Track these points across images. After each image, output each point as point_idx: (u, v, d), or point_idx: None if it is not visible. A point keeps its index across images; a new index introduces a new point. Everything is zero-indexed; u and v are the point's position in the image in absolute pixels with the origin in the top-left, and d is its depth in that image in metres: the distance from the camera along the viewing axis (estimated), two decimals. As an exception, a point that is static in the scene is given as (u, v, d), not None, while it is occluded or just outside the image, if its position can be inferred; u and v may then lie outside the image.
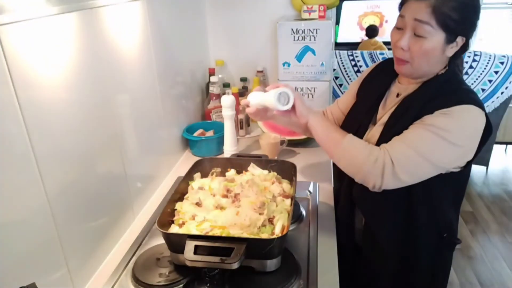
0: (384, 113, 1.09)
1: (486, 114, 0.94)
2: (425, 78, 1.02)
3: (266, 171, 1.28)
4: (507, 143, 3.69)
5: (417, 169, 0.94)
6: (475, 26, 0.96)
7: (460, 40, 0.95)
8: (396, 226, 1.08)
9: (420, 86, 1.02)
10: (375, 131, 1.07)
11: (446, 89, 0.97)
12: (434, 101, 0.95)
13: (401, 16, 0.97)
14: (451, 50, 0.96)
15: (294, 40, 1.77)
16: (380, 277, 1.17)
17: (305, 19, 1.77)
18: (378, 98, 1.12)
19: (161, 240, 1.06)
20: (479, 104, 0.93)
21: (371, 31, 4.11)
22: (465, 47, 0.98)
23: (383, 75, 1.13)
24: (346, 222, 1.20)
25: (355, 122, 1.14)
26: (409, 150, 0.92)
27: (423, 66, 0.98)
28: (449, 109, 0.92)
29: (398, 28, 0.98)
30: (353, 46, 4.12)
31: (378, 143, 1.01)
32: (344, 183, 1.17)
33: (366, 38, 4.19)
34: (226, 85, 1.89)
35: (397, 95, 1.08)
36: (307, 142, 1.70)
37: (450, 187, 1.04)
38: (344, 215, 1.20)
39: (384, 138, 1.00)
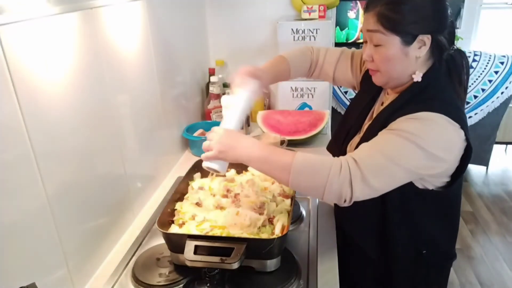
0: (368, 122, 1.08)
1: (464, 130, 0.88)
2: (404, 86, 0.98)
3: (266, 171, 1.28)
4: (507, 143, 3.69)
5: (386, 174, 0.86)
6: (438, 21, 0.90)
7: (425, 39, 0.89)
8: (373, 235, 1.05)
9: (397, 96, 0.99)
10: (356, 141, 1.07)
11: (419, 98, 0.93)
12: (402, 110, 0.91)
13: (361, 30, 0.98)
14: (419, 50, 0.91)
15: (294, 40, 1.77)
16: (361, 282, 1.16)
17: (305, 19, 1.77)
18: (367, 106, 1.10)
19: (161, 240, 1.06)
20: (451, 116, 0.86)
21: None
22: (439, 45, 0.92)
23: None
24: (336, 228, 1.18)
25: (346, 129, 1.13)
26: (375, 153, 0.86)
27: (392, 72, 0.95)
28: (415, 114, 0.87)
29: (365, 42, 0.99)
30: (353, 46, 4.13)
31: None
32: None
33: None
34: (226, 85, 1.89)
35: (382, 104, 1.07)
36: (307, 142, 1.70)
37: (432, 205, 0.99)
38: (335, 217, 1.21)
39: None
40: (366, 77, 1.12)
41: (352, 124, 1.11)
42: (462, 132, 0.88)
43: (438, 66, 0.96)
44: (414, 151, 0.84)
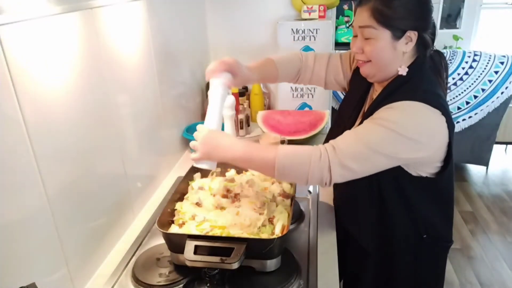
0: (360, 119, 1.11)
1: (446, 116, 0.92)
2: (390, 79, 1.03)
3: (266, 171, 1.28)
4: (507, 143, 3.68)
5: (364, 159, 0.92)
6: (424, 20, 0.97)
7: (412, 35, 0.96)
8: (371, 225, 1.09)
9: (383, 89, 1.03)
10: None
11: (401, 90, 0.98)
12: (385, 101, 0.96)
13: (352, 26, 1.04)
14: (406, 46, 0.97)
15: (294, 40, 1.77)
16: (362, 275, 1.18)
17: (305, 19, 1.77)
18: (359, 102, 1.14)
19: (161, 240, 1.06)
20: (431, 102, 0.91)
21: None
22: (424, 42, 0.98)
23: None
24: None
25: (341, 125, 1.16)
26: (354, 140, 0.93)
27: (380, 64, 1.00)
28: (392, 104, 0.94)
29: (355, 36, 1.04)
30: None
31: None
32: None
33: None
34: (226, 85, 1.88)
35: (372, 99, 1.10)
36: (307, 142, 1.70)
37: (426, 191, 1.03)
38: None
39: None
40: (355, 77, 1.17)
41: (346, 122, 1.14)
42: (443, 118, 0.93)
43: (422, 61, 1.01)
44: (391, 137, 0.90)
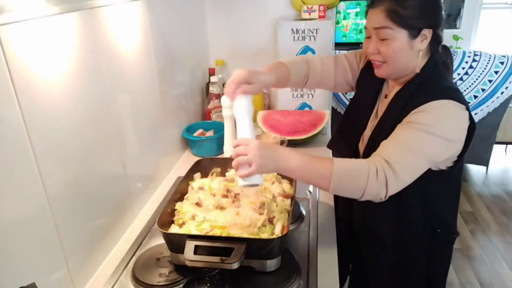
0: (375, 117, 1.13)
1: (468, 110, 0.96)
2: (406, 77, 1.05)
3: (266, 171, 1.28)
4: (507, 143, 3.68)
5: (414, 167, 0.94)
6: (437, 17, 0.99)
7: (427, 33, 0.98)
8: (389, 221, 1.11)
9: (401, 87, 1.05)
10: (366, 135, 1.12)
11: (424, 88, 1.00)
12: (412, 102, 0.97)
13: (365, 27, 1.04)
14: (422, 44, 0.99)
15: (294, 40, 1.77)
16: (377, 268, 1.20)
17: (305, 19, 1.77)
18: (373, 100, 1.15)
19: (161, 240, 1.06)
20: (457, 99, 0.94)
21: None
22: (438, 39, 1.01)
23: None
24: (346, 217, 1.25)
25: (354, 124, 1.17)
26: (400, 149, 0.93)
27: (397, 64, 1.02)
28: (423, 106, 0.94)
29: (368, 37, 1.05)
30: (353, 46, 4.12)
31: (366, 147, 1.06)
32: None
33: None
34: (226, 85, 1.89)
35: (385, 96, 1.12)
36: (307, 142, 1.70)
37: (443, 184, 1.06)
38: (343, 210, 1.26)
39: (373, 143, 1.03)
40: (364, 76, 1.18)
41: (358, 120, 1.16)
42: (467, 113, 0.96)
43: (436, 58, 1.04)
44: (432, 141, 0.92)
